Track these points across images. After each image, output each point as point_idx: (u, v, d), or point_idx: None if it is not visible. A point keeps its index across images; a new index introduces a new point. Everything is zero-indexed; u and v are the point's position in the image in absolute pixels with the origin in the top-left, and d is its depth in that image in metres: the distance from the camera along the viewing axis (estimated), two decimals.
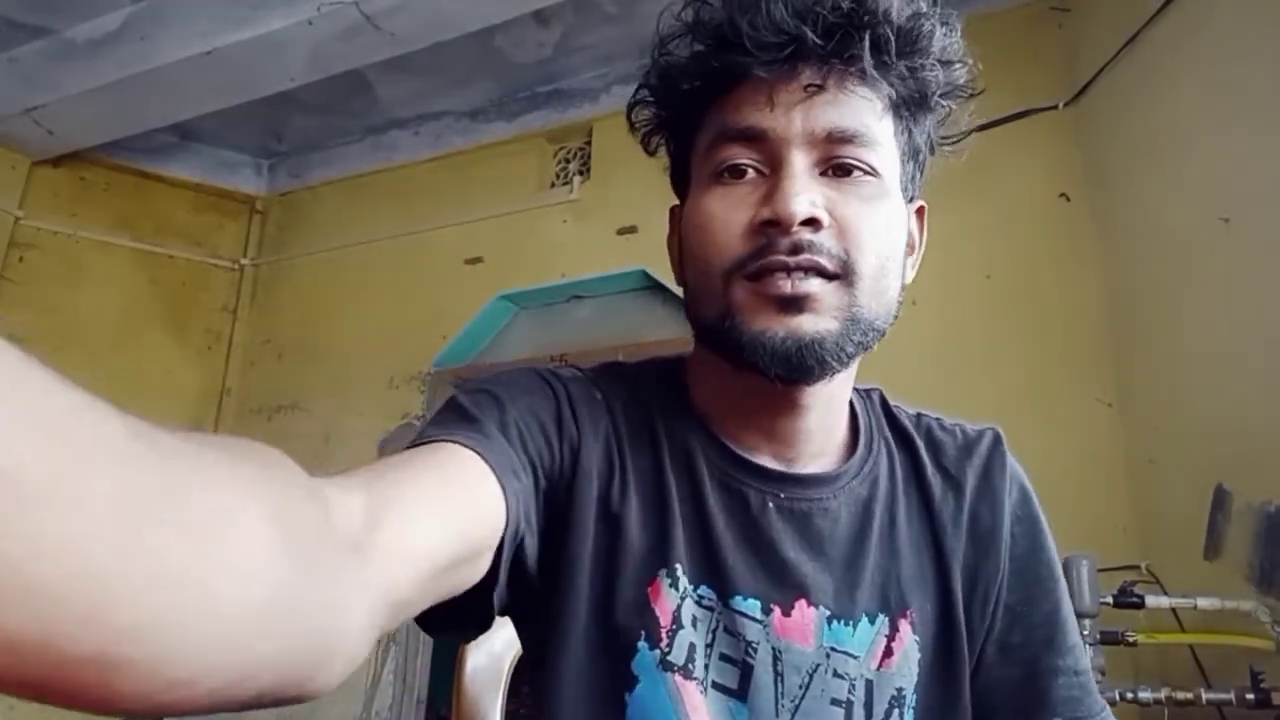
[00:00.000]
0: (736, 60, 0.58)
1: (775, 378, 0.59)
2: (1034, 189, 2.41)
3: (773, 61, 0.57)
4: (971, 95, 0.67)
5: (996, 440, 0.71)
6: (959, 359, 2.34)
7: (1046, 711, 0.64)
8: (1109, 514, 2.08)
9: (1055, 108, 2.42)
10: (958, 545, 0.67)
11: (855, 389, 0.72)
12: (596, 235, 3.05)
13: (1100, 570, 1.72)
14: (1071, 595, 1.66)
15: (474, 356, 3.28)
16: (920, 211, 0.70)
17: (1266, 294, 1.68)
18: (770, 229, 0.57)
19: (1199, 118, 1.93)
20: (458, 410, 0.60)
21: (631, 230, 3.03)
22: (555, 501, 0.62)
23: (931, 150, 0.68)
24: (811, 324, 0.58)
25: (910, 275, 0.67)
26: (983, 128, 2.44)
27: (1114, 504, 2.09)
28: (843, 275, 0.58)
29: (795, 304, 0.57)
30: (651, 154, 0.70)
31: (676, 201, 0.70)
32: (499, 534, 0.53)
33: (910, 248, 0.68)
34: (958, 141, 0.69)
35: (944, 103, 0.65)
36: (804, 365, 0.58)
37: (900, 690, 0.62)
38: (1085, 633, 1.65)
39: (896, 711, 0.62)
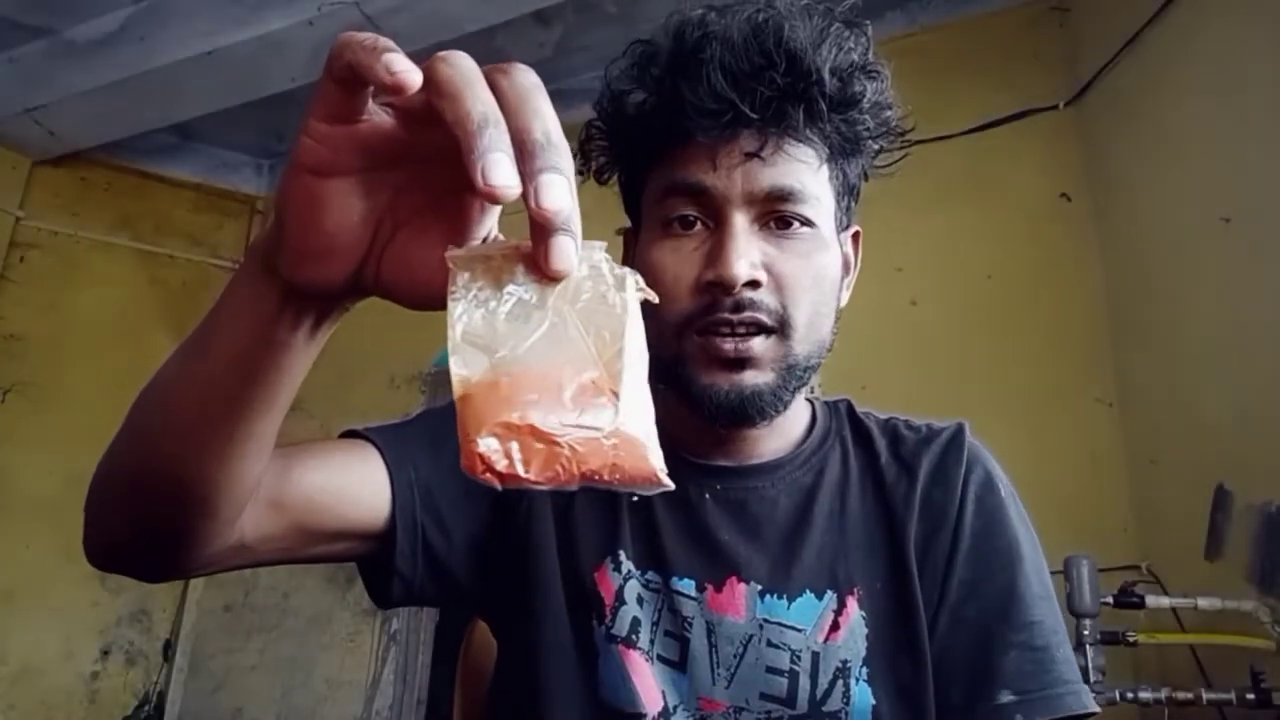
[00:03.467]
0: (679, 124, 0.64)
1: (720, 425, 0.68)
2: (1034, 189, 2.41)
3: (712, 128, 0.63)
4: (902, 134, 0.71)
5: (958, 431, 0.76)
6: (959, 359, 2.34)
7: (995, 684, 0.65)
8: (1109, 514, 2.08)
9: (1055, 108, 2.42)
10: (911, 524, 0.70)
11: (824, 401, 0.80)
12: (595, 235, 2.98)
13: (1101, 570, 1.72)
14: (1071, 595, 1.68)
15: None
16: (856, 236, 0.76)
17: (1267, 294, 1.68)
18: (715, 289, 0.64)
19: (1199, 118, 1.93)
20: (398, 423, 0.73)
21: (618, 233, 3.02)
22: (508, 516, 0.72)
23: (866, 178, 0.74)
24: (752, 379, 0.66)
25: (845, 296, 0.74)
26: (983, 128, 2.45)
27: (1114, 504, 2.09)
28: (779, 329, 0.66)
29: (738, 363, 0.65)
30: (603, 184, 0.75)
31: (627, 223, 0.77)
32: (384, 501, 0.65)
33: (846, 269, 0.74)
34: (891, 165, 0.73)
35: (876, 143, 0.71)
36: (745, 415, 0.67)
37: (845, 662, 0.67)
38: (1086, 633, 1.65)
39: (841, 681, 0.66)
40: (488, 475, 0.34)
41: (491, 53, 3.24)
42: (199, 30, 2.73)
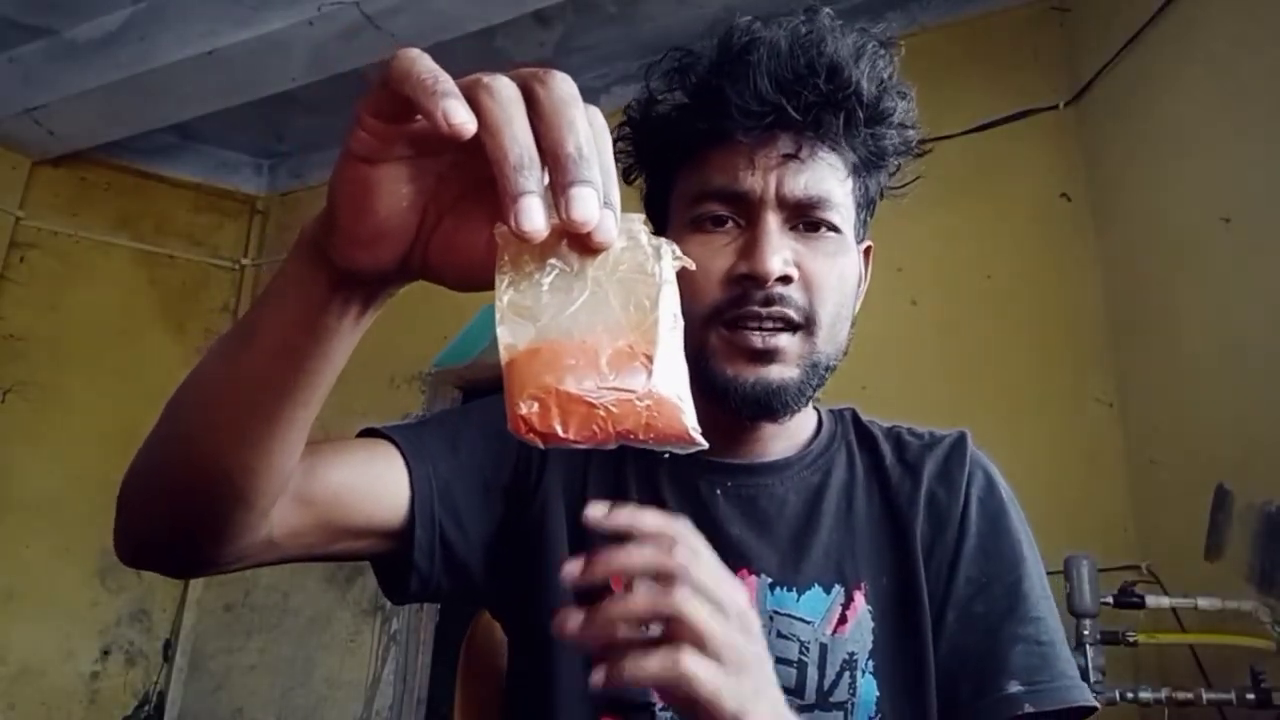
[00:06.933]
0: (721, 124, 0.67)
1: (744, 418, 0.70)
2: (1034, 189, 2.41)
3: (754, 128, 0.66)
4: (920, 155, 0.75)
5: (960, 438, 0.78)
6: (959, 359, 2.34)
7: (1004, 675, 0.66)
8: (1109, 514, 2.08)
9: (1055, 107, 2.42)
10: (916, 523, 0.72)
11: (830, 410, 0.82)
12: None
13: (1101, 570, 1.72)
14: (1071, 595, 1.68)
15: (474, 356, 3.28)
16: (867, 251, 0.79)
17: (1267, 294, 1.68)
18: (746, 282, 0.66)
19: (1199, 117, 1.93)
20: (416, 422, 0.75)
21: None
22: (522, 512, 0.73)
23: (881, 196, 0.77)
24: (778, 373, 0.67)
25: (856, 307, 0.76)
26: (983, 128, 2.45)
27: (1114, 504, 2.09)
28: (806, 325, 0.68)
29: (765, 355, 0.67)
30: (630, 184, 0.77)
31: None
32: (404, 498, 0.66)
33: (858, 281, 0.77)
34: (904, 187, 0.77)
35: (897, 161, 0.74)
36: (770, 408, 0.68)
37: (852, 654, 0.69)
38: (1086, 633, 1.65)
39: (849, 673, 0.68)
40: (530, 435, 0.36)
41: (491, 53, 3.26)
42: (199, 30, 2.73)
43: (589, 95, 0.37)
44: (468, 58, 3.00)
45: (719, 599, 0.47)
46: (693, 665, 0.45)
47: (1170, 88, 2.04)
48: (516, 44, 2.97)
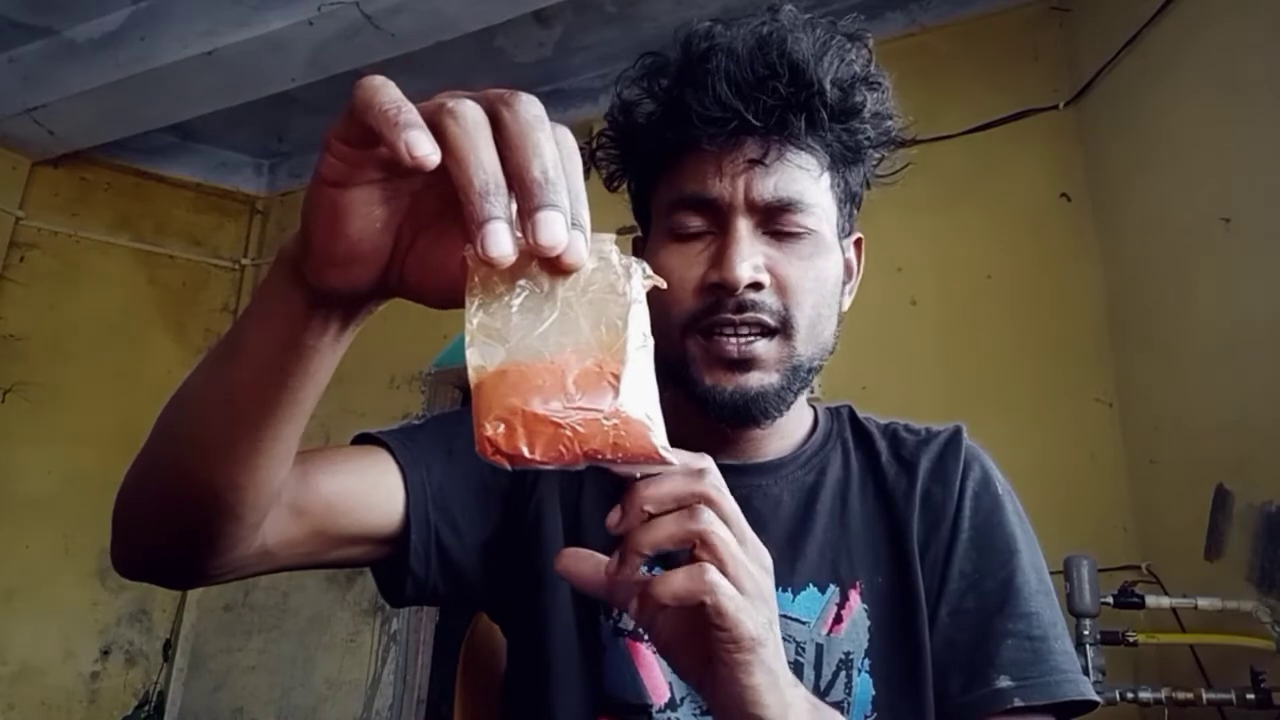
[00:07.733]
0: (686, 132, 0.67)
1: (725, 425, 0.70)
2: (1034, 189, 2.41)
3: (718, 135, 0.66)
4: (902, 144, 0.73)
5: (956, 433, 0.78)
6: (959, 359, 2.34)
7: (994, 669, 0.66)
8: (1109, 514, 2.08)
9: (1055, 108, 2.42)
10: (912, 520, 0.72)
11: (826, 407, 0.81)
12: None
13: (1101, 570, 1.72)
14: (1071, 595, 1.68)
15: None
16: (858, 243, 0.78)
17: (1267, 294, 1.68)
18: (718, 290, 0.66)
19: (1199, 118, 1.93)
20: (410, 426, 0.74)
21: (632, 230, 3.02)
22: (518, 514, 0.73)
23: (868, 186, 0.75)
24: (757, 380, 0.67)
25: (847, 301, 0.76)
26: (983, 128, 2.45)
27: (1114, 504, 2.09)
28: (782, 329, 0.67)
29: (742, 364, 0.67)
30: (613, 191, 0.78)
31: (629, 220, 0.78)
32: (399, 503, 0.66)
33: (848, 275, 0.76)
34: (893, 175, 0.75)
35: (877, 152, 0.73)
36: (750, 416, 0.68)
37: (848, 654, 0.68)
38: (1086, 633, 1.65)
39: (844, 673, 0.67)
40: (497, 457, 0.36)
41: (491, 53, 3.26)
42: (199, 30, 2.73)
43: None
44: (468, 58, 3.00)
45: (740, 528, 0.49)
46: (718, 579, 0.46)
47: (1170, 88, 2.04)
48: (516, 44, 2.97)
